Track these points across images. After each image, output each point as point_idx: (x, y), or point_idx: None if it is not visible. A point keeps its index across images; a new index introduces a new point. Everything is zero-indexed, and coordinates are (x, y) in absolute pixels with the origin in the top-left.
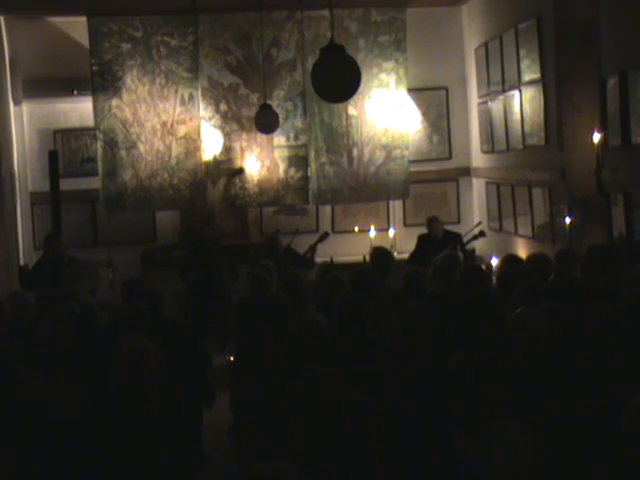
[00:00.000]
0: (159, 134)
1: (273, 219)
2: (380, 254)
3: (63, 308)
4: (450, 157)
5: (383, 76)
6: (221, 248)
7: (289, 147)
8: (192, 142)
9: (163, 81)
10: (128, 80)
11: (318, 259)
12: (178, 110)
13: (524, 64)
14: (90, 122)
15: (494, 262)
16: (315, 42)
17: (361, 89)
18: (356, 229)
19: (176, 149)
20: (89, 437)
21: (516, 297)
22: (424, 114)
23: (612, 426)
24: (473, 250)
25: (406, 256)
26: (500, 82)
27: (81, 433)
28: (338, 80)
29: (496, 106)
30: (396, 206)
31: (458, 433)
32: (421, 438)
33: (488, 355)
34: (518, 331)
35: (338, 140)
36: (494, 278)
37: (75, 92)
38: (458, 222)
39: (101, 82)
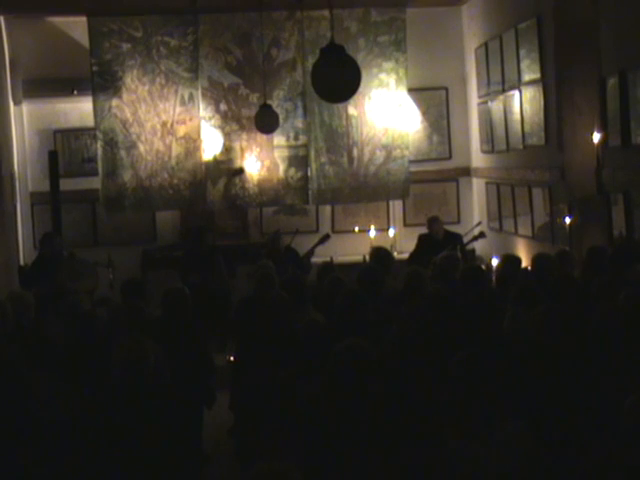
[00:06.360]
0: (159, 134)
1: (273, 219)
2: (380, 254)
3: (71, 307)
4: (450, 157)
5: (383, 76)
6: (215, 249)
7: (289, 147)
8: (192, 142)
9: (163, 81)
10: (128, 80)
11: (318, 259)
12: (178, 110)
13: (524, 64)
14: (90, 122)
15: (494, 262)
16: (315, 42)
17: (361, 89)
18: (356, 229)
19: (176, 149)
20: (89, 437)
21: (515, 297)
22: (424, 114)
23: (610, 425)
24: (473, 250)
25: (406, 256)
26: (500, 82)
27: (81, 433)
28: (338, 80)
29: (496, 106)
30: (396, 206)
31: (454, 431)
32: (418, 436)
33: (487, 354)
34: (515, 331)
35: (338, 140)
36: (494, 278)
37: (75, 92)
38: (458, 222)
39: (101, 82)
